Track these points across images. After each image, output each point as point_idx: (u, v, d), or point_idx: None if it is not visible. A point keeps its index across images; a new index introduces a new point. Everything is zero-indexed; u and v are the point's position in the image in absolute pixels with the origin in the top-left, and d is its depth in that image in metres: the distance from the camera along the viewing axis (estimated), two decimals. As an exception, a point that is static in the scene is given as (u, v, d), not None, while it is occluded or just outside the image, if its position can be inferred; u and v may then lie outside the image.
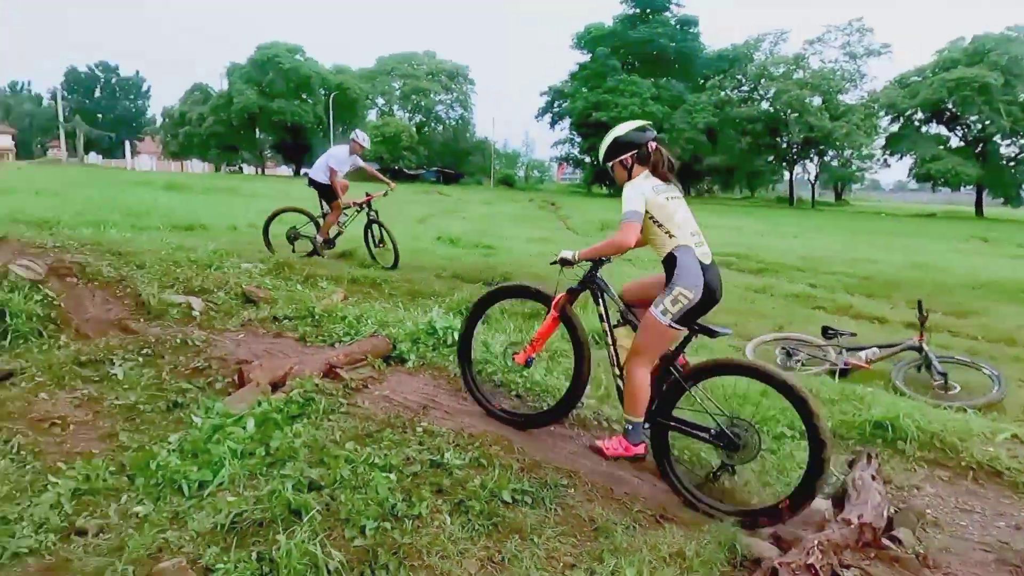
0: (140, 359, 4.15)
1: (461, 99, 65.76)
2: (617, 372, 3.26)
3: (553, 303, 3.39)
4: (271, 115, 53.78)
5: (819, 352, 5.86)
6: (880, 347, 5.74)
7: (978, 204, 42.54)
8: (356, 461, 2.78)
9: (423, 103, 62.83)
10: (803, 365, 5.74)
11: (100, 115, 74.53)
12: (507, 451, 3.08)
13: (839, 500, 2.97)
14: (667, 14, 54.12)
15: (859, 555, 2.43)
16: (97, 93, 77.83)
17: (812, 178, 50.87)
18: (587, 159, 56.89)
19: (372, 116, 62.51)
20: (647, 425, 3.09)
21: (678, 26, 54.11)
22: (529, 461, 3.02)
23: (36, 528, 2.38)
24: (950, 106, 40.70)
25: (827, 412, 4.01)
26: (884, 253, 14.64)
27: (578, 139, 56.90)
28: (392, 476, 2.70)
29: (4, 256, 5.51)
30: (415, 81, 61.15)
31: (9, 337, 4.38)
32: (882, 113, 44.62)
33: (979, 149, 41.93)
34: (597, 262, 3.34)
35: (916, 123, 43.99)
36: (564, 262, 3.26)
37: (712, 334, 3.03)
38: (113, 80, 79.11)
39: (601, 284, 3.37)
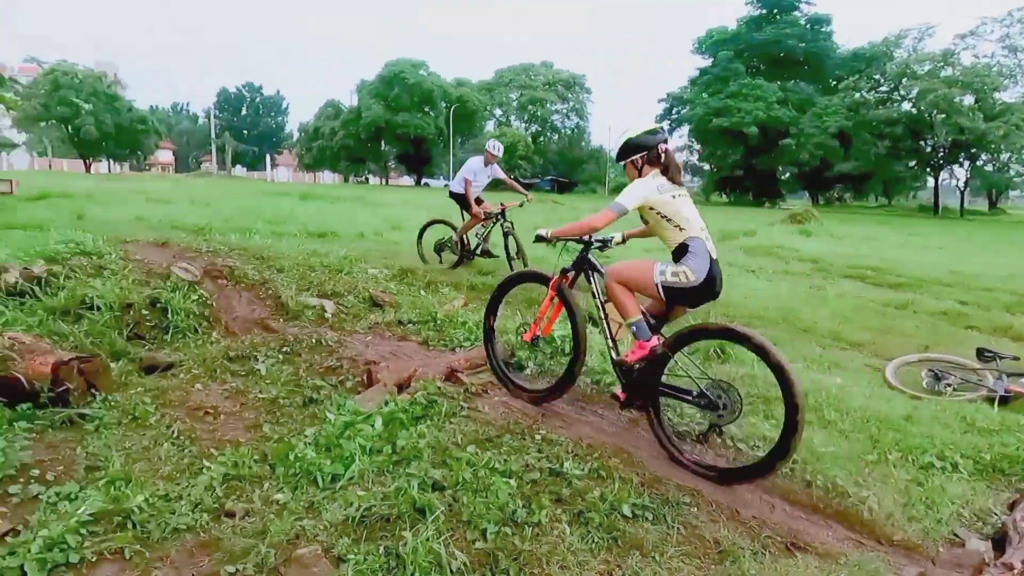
0: (280, 356, 4.47)
1: (577, 108, 66.09)
2: (611, 344, 3.48)
3: (550, 283, 3.64)
4: (396, 128, 56.41)
5: (974, 376, 5.29)
6: (1049, 373, 5.11)
7: None
8: (477, 464, 2.84)
9: (539, 113, 63.67)
10: (954, 390, 5.20)
11: (246, 131, 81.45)
12: (627, 464, 3.03)
13: (999, 543, 2.67)
14: (796, 14, 51.52)
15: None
16: (243, 111, 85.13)
17: (961, 184, 46.31)
18: (706, 167, 55.16)
19: (490, 126, 64.17)
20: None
21: (808, 25, 51.36)
22: (649, 476, 2.95)
23: (192, 507, 2.62)
24: None
25: (985, 444, 3.63)
26: (1050, 268, 13.04)
27: (696, 146, 55.37)
28: (512, 482, 2.73)
29: (167, 259, 6.15)
30: (532, 92, 62.09)
31: (170, 332, 4.87)
32: (1048, 111, 39.86)
33: None
34: (587, 244, 3.55)
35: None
36: (539, 239, 3.49)
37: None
38: (257, 99, 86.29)
39: (592, 264, 3.56)
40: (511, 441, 3.15)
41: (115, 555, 2.33)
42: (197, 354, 4.48)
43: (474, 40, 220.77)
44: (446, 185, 55.94)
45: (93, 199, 15.20)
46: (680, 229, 3.14)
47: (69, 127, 53.23)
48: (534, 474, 2.85)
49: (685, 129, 55.07)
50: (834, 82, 49.74)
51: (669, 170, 3.24)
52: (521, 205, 8.66)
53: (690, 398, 3.14)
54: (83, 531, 2.39)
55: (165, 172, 65.38)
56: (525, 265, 8.21)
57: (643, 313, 3.28)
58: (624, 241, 3.68)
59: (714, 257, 3.13)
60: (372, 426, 3.20)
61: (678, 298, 3.18)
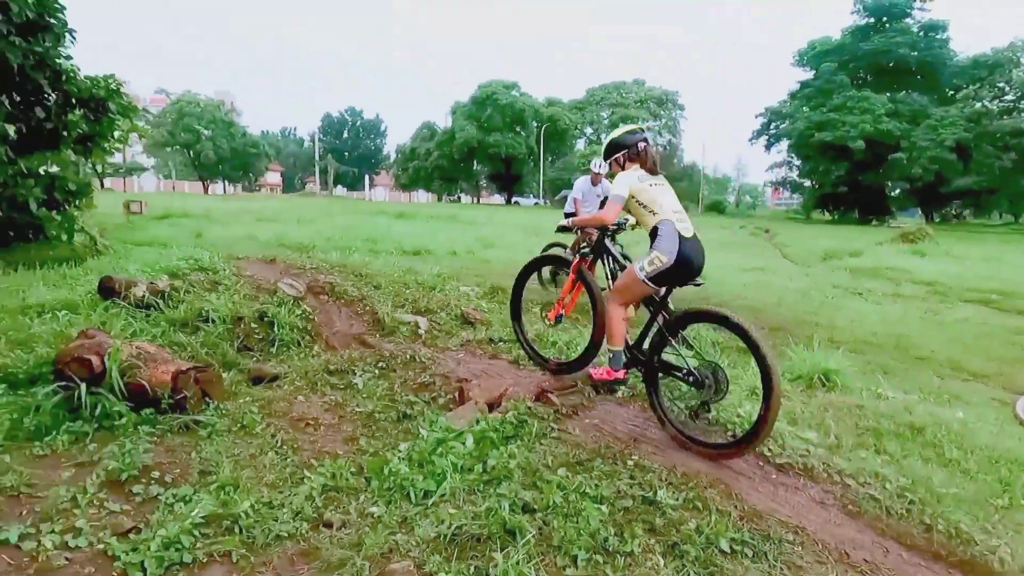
0: (376, 371, 4.62)
1: (669, 125, 65.05)
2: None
3: (572, 266, 4.18)
4: (488, 148, 57.55)
5: None
6: None
7: None
8: (568, 488, 2.80)
9: (630, 131, 62.99)
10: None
11: (347, 153, 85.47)
12: (724, 496, 2.90)
13: None
14: (908, 21, 48.51)
15: None
16: (345, 135, 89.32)
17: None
18: (807, 183, 52.64)
19: (580, 145, 64.15)
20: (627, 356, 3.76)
21: (921, 33, 48.18)
22: (749, 509, 2.81)
23: (293, 515, 2.73)
24: None
25: None
26: None
27: (797, 162, 53.01)
28: (604, 508, 2.68)
29: (274, 275, 6.51)
30: (623, 109, 61.68)
31: (276, 345, 5.13)
32: None
33: None
34: (603, 232, 4.04)
35: None
36: (562, 228, 4.24)
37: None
38: (358, 123, 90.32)
39: (608, 249, 4.06)
40: (602, 466, 3.09)
41: (223, 558, 2.46)
42: (300, 367, 4.70)
43: (569, 62, 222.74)
44: (536, 203, 56.65)
45: (210, 218, 16.39)
46: (653, 214, 3.55)
47: (191, 152, 58.01)
48: (626, 501, 2.78)
49: (784, 144, 52.93)
50: (951, 92, 46.29)
51: (647, 164, 3.71)
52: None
53: (680, 375, 3.51)
54: (195, 532, 2.54)
55: (273, 192, 69.67)
56: None
57: (626, 344, 3.74)
58: (637, 224, 3.89)
59: (687, 236, 3.47)
60: (463, 444, 3.23)
61: (666, 281, 3.52)
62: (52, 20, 7.66)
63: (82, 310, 5.08)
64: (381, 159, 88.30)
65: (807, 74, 52.15)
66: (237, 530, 2.60)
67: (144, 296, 5.31)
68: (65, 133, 7.96)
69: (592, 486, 2.86)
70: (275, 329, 5.24)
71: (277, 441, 3.48)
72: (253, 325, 5.21)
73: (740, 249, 18.67)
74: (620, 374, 3.71)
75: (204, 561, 2.42)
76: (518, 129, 59.55)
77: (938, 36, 48.29)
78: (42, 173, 7.79)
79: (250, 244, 10.69)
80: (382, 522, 2.65)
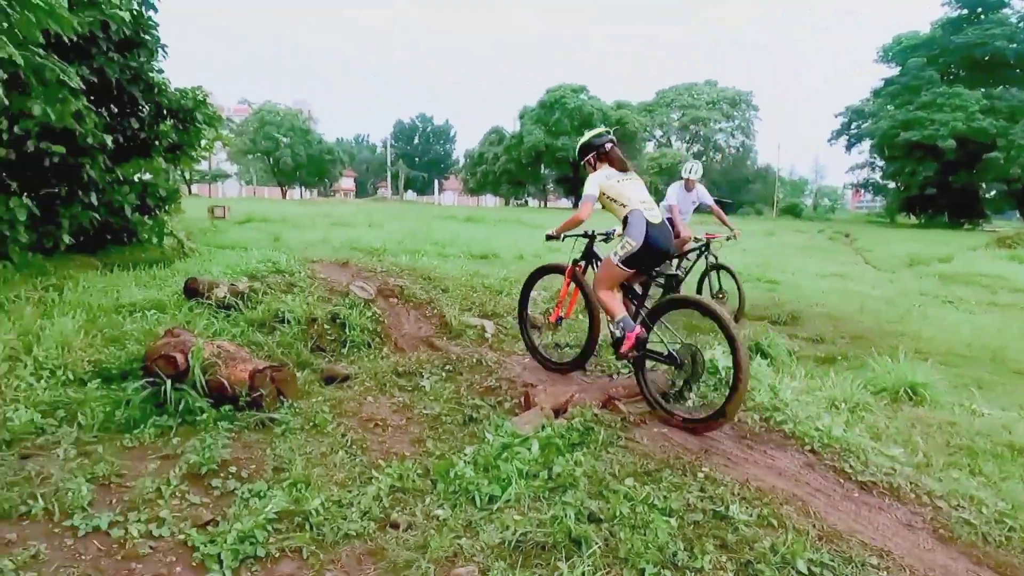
0: (443, 374, 4.66)
1: (743, 126, 63.41)
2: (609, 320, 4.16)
3: (566, 272, 4.60)
4: (555, 151, 57.40)
5: None
6: None
7: None
8: (635, 499, 2.74)
9: (702, 132, 61.87)
10: None
11: (417, 159, 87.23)
12: (801, 513, 2.77)
13: None
14: (1006, 11, 45.34)
15: None
16: (416, 140, 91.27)
17: None
18: (891, 184, 49.93)
19: (650, 147, 63.28)
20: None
21: (1021, 24, 44.97)
22: (828, 529, 2.67)
23: (361, 515, 2.78)
24: None
25: None
26: None
27: (880, 163, 50.33)
28: (672, 521, 2.60)
29: (346, 278, 6.69)
30: (694, 111, 60.52)
31: (347, 346, 5.26)
32: None
33: None
34: (592, 238, 4.57)
35: None
36: (549, 238, 4.50)
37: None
38: (428, 129, 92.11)
39: (596, 255, 4.50)
40: (671, 477, 3.01)
41: (295, 553, 2.52)
42: (369, 368, 4.79)
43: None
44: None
45: (287, 222, 17.05)
46: (623, 206, 3.96)
47: (270, 159, 60.51)
48: (696, 515, 2.69)
49: (866, 144, 50.39)
50: (1055, 86, 43.05)
51: (614, 163, 4.17)
52: (728, 239, 7.83)
53: (662, 359, 3.87)
54: (269, 527, 2.62)
55: (347, 197, 71.89)
56: (741, 307, 7.38)
57: (625, 308, 4.02)
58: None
59: (655, 222, 3.88)
60: (529, 450, 3.20)
61: (639, 264, 3.92)
62: (146, 36, 8.14)
63: (169, 309, 5.37)
64: (450, 164, 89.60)
65: (892, 70, 49.52)
66: (308, 527, 2.66)
67: (225, 297, 5.55)
68: (156, 142, 8.44)
69: (661, 498, 2.78)
70: (346, 331, 5.37)
71: (347, 440, 3.55)
72: (326, 326, 5.36)
73: (818, 254, 17.92)
74: (637, 331, 3.84)
75: (276, 556, 2.50)
76: (586, 132, 59.20)
77: (1040, 27, 44.96)
78: (136, 180, 8.29)
79: (324, 247, 11.05)
80: (447, 525, 2.66)
